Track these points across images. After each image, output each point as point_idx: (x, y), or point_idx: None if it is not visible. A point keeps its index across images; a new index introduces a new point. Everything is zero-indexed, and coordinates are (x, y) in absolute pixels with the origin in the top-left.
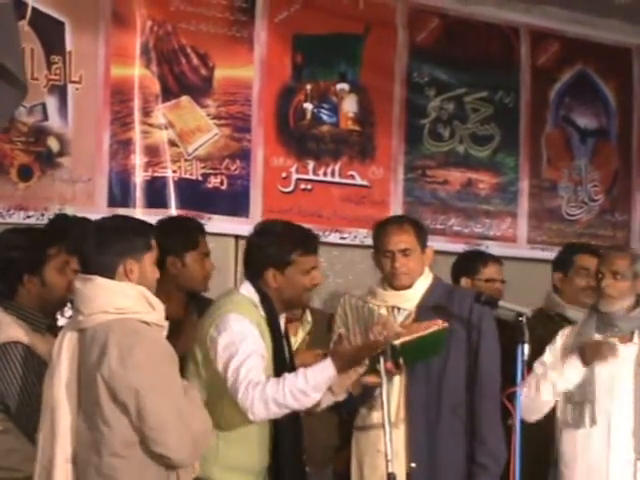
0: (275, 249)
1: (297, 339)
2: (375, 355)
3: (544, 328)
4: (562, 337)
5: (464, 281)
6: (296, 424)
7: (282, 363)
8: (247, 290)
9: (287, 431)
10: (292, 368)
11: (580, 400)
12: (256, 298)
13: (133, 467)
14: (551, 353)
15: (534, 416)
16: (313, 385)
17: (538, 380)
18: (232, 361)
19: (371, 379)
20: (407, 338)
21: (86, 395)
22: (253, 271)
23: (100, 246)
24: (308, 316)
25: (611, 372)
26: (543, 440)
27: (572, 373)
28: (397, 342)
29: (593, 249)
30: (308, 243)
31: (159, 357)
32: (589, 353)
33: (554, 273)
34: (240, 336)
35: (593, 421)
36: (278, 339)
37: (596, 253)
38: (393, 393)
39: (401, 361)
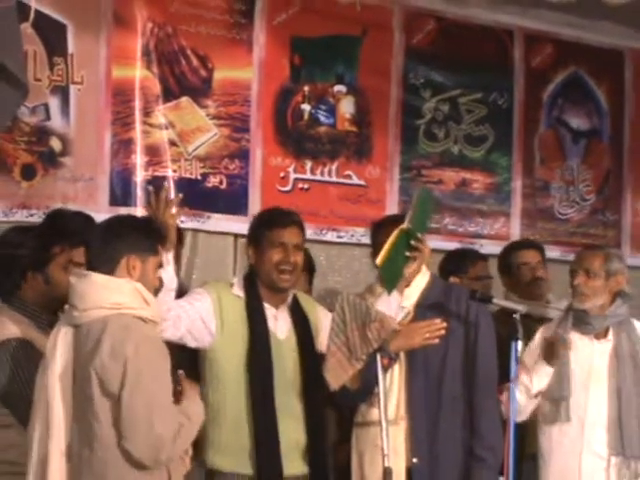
0: (251, 227)
1: None
2: (372, 351)
3: (503, 327)
4: (540, 334)
5: (453, 280)
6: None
7: (258, 333)
8: (238, 274)
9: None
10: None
11: (556, 396)
12: (239, 280)
13: (124, 463)
14: (528, 352)
15: (519, 417)
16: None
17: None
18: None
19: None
20: (396, 327)
21: (80, 390)
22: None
23: (106, 238)
24: None
25: (586, 368)
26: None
27: (541, 375)
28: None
29: (528, 244)
30: (278, 217)
31: (148, 352)
32: (547, 353)
33: (501, 278)
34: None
35: (567, 417)
36: (255, 315)
37: (532, 246)
38: (393, 390)
39: (394, 355)
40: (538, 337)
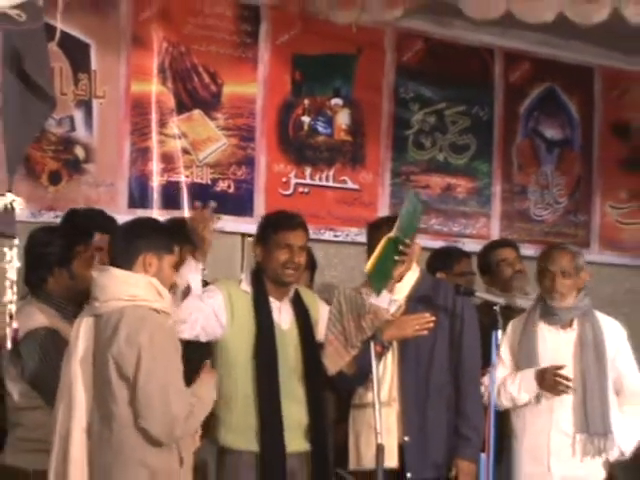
0: (259, 228)
1: None
2: (367, 339)
3: (486, 317)
4: (512, 326)
5: (439, 275)
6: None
7: (264, 324)
8: (246, 272)
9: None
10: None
11: None
12: (246, 276)
13: (140, 440)
14: (506, 345)
15: (500, 409)
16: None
17: (499, 388)
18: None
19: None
20: (389, 317)
21: (99, 374)
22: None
23: (127, 238)
24: None
25: (554, 355)
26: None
27: (528, 392)
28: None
29: (504, 242)
30: (285, 220)
31: (161, 340)
32: (547, 386)
33: (481, 276)
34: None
35: (538, 399)
36: (261, 308)
37: (508, 244)
38: (386, 375)
39: (387, 343)
40: (510, 328)
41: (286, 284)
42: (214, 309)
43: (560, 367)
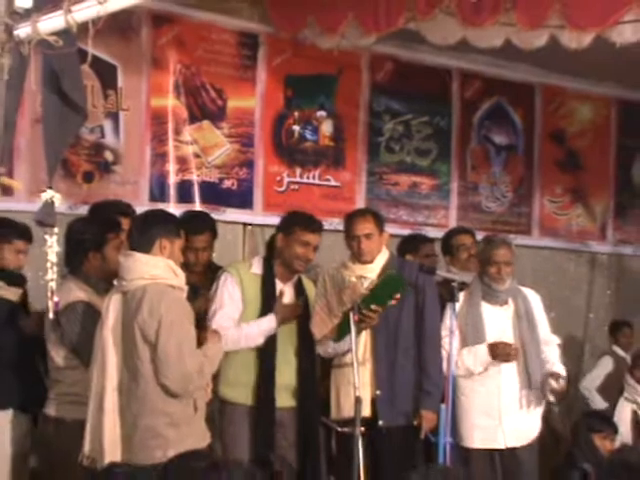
0: (285, 220)
1: None
2: (347, 310)
3: (445, 291)
4: (463, 297)
5: (408, 257)
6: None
7: (269, 300)
8: (258, 257)
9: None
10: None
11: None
12: (259, 260)
13: (161, 393)
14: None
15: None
16: (259, 332)
17: (457, 359)
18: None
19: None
20: (364, 292)
21: (127, 339)
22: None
23: (143, 227)
24: None
25: (498, 327)
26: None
27: (482, 364)
28: (358, 301)
29: (464, 229)
30: (309, 222)
31: (176, 311)
32: (499, 357)
33: (444, 256)
34: (220, 290)
35: (486, 368)
36: (268, 288)
37: (467, 231)
38: (361, 339)
39: (365, 311)
40: (462, 300)
41: (296, 272)
42: (231, 295)
43: (507, 343)
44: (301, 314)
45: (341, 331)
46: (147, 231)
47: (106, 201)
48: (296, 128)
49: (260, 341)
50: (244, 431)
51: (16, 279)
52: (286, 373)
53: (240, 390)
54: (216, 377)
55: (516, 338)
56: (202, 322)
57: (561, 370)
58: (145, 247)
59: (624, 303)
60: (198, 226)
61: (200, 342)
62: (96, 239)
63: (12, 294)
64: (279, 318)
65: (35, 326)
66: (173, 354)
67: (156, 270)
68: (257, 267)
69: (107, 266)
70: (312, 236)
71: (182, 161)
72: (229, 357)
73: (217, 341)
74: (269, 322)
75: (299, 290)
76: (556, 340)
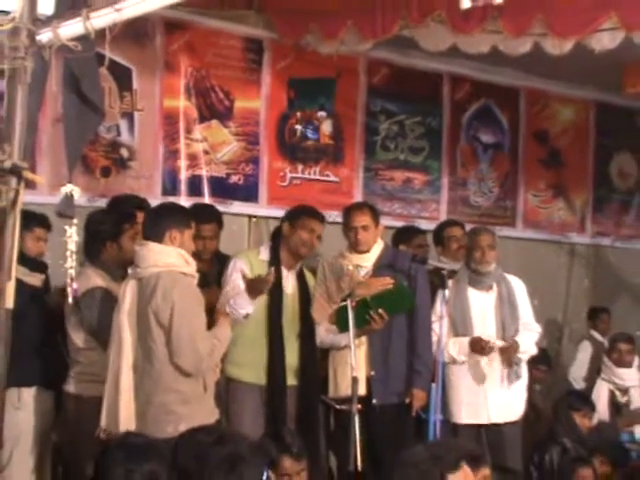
0: (293, 211)
1: None
2: (345, 296)
3: (437, 279)
4: (451, 284)
5: (402, 247)
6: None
7: (275, 290)
8: (265, 245)
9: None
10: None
11: (462, 333)
12: (266, 248)
13: (174, 372)
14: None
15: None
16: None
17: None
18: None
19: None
20: (375, 292)
21: (142, 322)
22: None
23: (155, 219)
24: None
25: (481, 313)
26: None
27: (464, 355)
28: (368, 297)
29: (454, 222)
30: (314, 212)
31: (188, 297)
32: (477, 351)
33: (435, 247)
34: (231, 272)
35: (469, 357)
36: (275, 273)
37: (457, 224)
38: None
39: (373, 312)
40: (451, 287)
41: (300, 257)
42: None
43: (485, 340)
44: (302, 301)
45: (341, 320)
46: (158, 223)
47: (123, 195)
48: (298, 127)
49: (248, 311)
50: (248, 407)
51: (38, 265)
52: (289, 354)
53: (245, 369)
54: (223, 357)
55: (498, 321)
56: (212, 311)
57: (524, 345)
58: (157, 237)
59: (601, 291)
60: (206, 216)
61: (210, 326)
62: (113, 230)
63: (35, 279)
64: (249, 291)
65: (57, 299)
66: (186, 337)
67: (169, 258)
68: (264, 254)
69: (123, 255)
70: (317, 224)
71: (192, 157)
72: (234, 337)
73: (227, 324)
74: (242, 298)
75: (301, 278)
76: (537, 328)
